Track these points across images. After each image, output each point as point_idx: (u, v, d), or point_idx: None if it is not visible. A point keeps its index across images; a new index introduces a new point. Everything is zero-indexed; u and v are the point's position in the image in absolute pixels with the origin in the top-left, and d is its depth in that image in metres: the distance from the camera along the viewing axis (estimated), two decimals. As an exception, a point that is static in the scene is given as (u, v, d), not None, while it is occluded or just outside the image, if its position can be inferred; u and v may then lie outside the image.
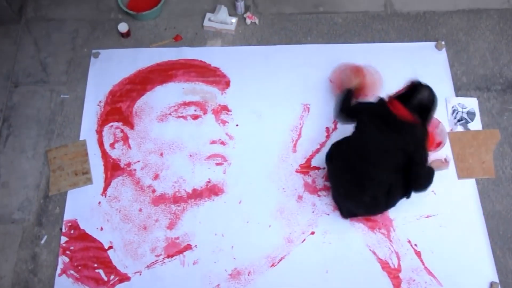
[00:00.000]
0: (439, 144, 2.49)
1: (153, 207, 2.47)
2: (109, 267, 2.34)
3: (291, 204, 2.45)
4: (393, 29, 2.95)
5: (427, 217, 2.40)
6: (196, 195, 2.49)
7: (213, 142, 2.62)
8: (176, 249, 2.37)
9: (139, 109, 2.73)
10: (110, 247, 2.39)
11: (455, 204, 2.43)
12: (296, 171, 2.53)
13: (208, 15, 2.99)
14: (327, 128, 2.64)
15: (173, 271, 2.32)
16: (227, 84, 2.78)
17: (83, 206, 2.49)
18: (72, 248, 2.39)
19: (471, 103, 2.68)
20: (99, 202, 2.49)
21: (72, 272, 2.34)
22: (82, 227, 2.43)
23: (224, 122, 2.67)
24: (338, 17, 3.01)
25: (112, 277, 2.32)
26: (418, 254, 2.32)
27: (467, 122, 2.63)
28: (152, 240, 2.39)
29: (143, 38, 2.98)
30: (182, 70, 2.84)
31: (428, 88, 2.03)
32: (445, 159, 2.42)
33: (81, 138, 2.67)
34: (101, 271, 2.34)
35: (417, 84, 2.04)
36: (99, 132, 2.68)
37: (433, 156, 2.43)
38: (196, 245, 2.37)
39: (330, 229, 2.38)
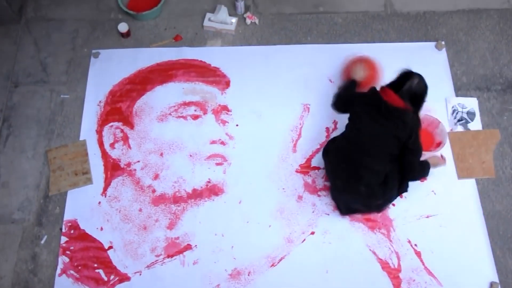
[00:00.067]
0: (439, 144, 2.49)
1: (153, 207, 2.47)
2: (109, 267, 2.34)
3: (291, 204, 2.45)
4: (393, 29, 2.95)
5: (427, 217, 2.40)
6: (196, 195, 2.49)
7: (213, 142, 2.62)
8: (176, 249, 2.37)
9: (139, 109, 2.73)
10: (110, 247, 2.39)
11: (455, 204, 2.43)
12: (296, 171, 2.53)
13: (208, 15, 2.99)
14: (327, 128, 2.64)
15: (173, 271, 2.32)
16: (227, 84, 2.78)
17: (83, 206, 2.49)
18: (72, 248, 2.39)
19: (471, 103, 2.68)
20: (99, 202, 2.49)
21: (72, 272, 2.34)
22: (82, 227, 2.43)
23: (224, 122, 2.67)
24: (338, 17, 3.01)
25: (112, 277, 2.32)
26: (418, 254, 2.32)
27: (467, 122, 2.63)
28: (152, 240, 2.39)
29: (143, 38, 2.98)
30: (182, 70, 2.84)
31: (418, 76, 2.07)
32: (442, 156, 2.43)
33: (81, 138, 2.67)
34: (101, 271, 2.34)
35: (408, 72, 2.09)
36: (99, 132, 2.68)
37: (430, 154, 2.44)
38: (196, 245, 2.37)
39: (330, 229, 2.38)
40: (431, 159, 2.33)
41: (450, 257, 2.31)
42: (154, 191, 2.51)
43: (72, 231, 2.43)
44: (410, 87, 2.04)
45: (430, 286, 2.26)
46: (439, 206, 2.42)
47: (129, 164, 2.58)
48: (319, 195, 2.47)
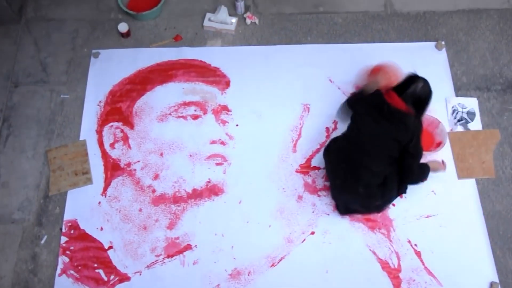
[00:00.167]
0: (439, 144, 2.49)
1: (153, 207, 2.47)
2: (109, 267, 2.34)
3: (291, 204, 2.45)
4: (393, 29, 2.95)
5: (427, 217, 2.40)
6: (196, 195, 2.49)
7: (213, 142, 2.62)
8: (176, 249, 2.37)
9: (139, 109, 2.73)
10: (110, 247, 2.39)
11: (455, 204, 2.43)
12: (296, 171, 2.53)
13: (208, 15, 2.99)
14: (327, 128, 2.64)
15: (173, 271, 2.32)
16: (227, 84, 2.78)
17: (83, 206, 2.49)
18: (72, 248, 2.39)
19: (471, 103, 2.68)
20: (99, 202, 2.49)
21: (72, 272, 2.34)
22: (82, 227, 2.43)
23: (224, 122, 2.67)
24: (338, 17, 3.01)
25: (112, 277, 2.32)
26: (418, 254, 2.32)
27: (467, 122, 2.63)
28: (152, 240, 2.39)
29: (143, 38, 2.98)
30: (182, 70, 2.84)
31: (423, 80, 2.08)
32: (443, 161, 2.43)
33: (81, 138, 2.67)
34: (101, 271, 2.34)
35: (413, 76, 2.10)
36: (99, 132, 2.68)
37: (431, 157, 2.44)
38: (196, 245, 2.37)
39: (330, 229, 2.38)
40: (431, 163, 2.34)
41: (450, 257, 2.31)
42: (154, 191, 2.51)
43: (72, 231, 2.43)
44: (415, 90, 2.05)
45: (430, 286, 2.25)
46: (439, 206, 2.42)
47: (129, 164, 2.58)
48: (319, 195, 2.47)
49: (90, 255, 2.37)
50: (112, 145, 2.64)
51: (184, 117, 2.69)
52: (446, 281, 2.26)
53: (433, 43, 2.87)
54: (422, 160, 2.21)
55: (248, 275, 2.30)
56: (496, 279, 2.27)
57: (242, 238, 2.38)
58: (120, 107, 2.74)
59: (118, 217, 2.45)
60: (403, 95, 2.05)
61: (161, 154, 2.60)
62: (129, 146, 2.63)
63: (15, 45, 2.99)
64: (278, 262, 2.32)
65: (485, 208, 2.42)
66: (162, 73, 2.83)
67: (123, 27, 2.91)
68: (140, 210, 2.46)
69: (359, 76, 2.62)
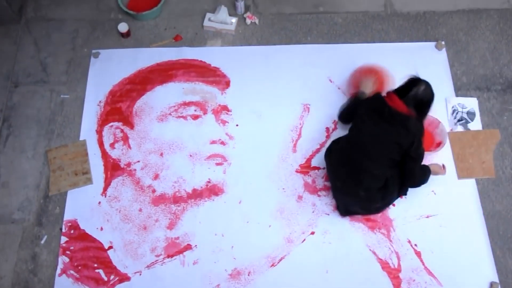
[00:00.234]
0: (439, 144, 2.49)
1: (153, 207, 2.47)
2: (109, 267, 2.34)
3: (291, 204, 2.45)
4: (393, 29, 2.95)
5: (427, 217, 2.40)
6: (196, 195, 2.49)
7: (213, 142, 2.62)
8: (176, 249, 2.37)
9: (139, 109, 2.73)
10: (110, 247, 2.39)
11: (455, 204, 2.43)
12: (296, 171, 2.53)
13: (208, 15, 2.99)
14: (327, 128, 2.64)
15: (173, 271, 2.32)
16: (227, 84, 2.78)
17: (83, 206, 2.49)
18: (72, 248, 2.39)
19: (471, 103, 2.68)
20: (99, 202, 2.49)
21: (72, 272, 2.34)
22: (82, 227, 2.43)
23: (224, 122, 2.67)
24: (338, 17, 3.01)
25: (112, 277, 2.32)
26: (418, 254, 2.32)
27: (467, 122, 2.63)
28: (152, 240, 2.39)
29: (143, 38, 2.98)
30: (182, 70, 2.84)
31: (425, 83, 2.07)
32: (443, 165, 2.43)
33: (81, 138, 2.67)
34: (101, 271, 2.34)
35: (415, 79, 2.09)
36: (99, 132, 2.68)
37: (432, 159, 2.44)
38: (196, 245, 2.37)
39: (330, 229, 2.38)
40: (432, 166, 2.34)
41: (450, 257, 2.31)
42: (154, 191, 2.51)
43: (72, 231, 2.43)
44: (416, 93, 2.04)
45: (430, 286, 2.25)
46: (439, 206, 2.42)
47: (129, 164, 2.58)
48: (319, 195, 2.47)
49: (90, 255, 2.37)
50: (112, 145, 2.64)
51: (184, 117, 2.69)
52: (446, 281, 2.26)
53: (433, 43, 2.87)
54: (422, 161, 2.21)
55: (248, 275, 2.30)
56: (496, 279, 2.27)
57: (242, 238, 2.38)
58: (120, 107, 2.74)
59: (118, 217, 2.45)
60: (404, 98, 2.04)
61: (161, 154, 2.60)
62: (129, 146, 2.63)
63: (15, 45, 2.99)
64: (278, 262, 2.32)
65: (485, 208, 2.42)
66: (162, 73, 2.83)
67: (123, 27, 2.91)
68: (140, 210, 2.46)
69: (348, 84, 2.64)
